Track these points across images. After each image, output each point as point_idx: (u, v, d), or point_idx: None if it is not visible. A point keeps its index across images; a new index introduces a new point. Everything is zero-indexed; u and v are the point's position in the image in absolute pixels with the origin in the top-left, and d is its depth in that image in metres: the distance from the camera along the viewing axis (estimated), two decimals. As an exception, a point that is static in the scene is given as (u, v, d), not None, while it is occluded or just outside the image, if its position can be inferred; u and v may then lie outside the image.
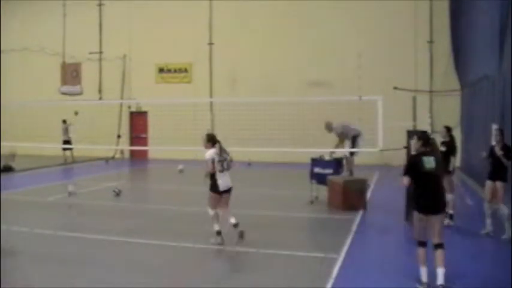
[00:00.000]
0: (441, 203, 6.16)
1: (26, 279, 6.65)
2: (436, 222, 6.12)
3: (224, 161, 8.20)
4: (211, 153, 8.15)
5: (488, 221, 8.77)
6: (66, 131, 21.40)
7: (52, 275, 6.82)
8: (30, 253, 7.87)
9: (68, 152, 21.08)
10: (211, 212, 8.27)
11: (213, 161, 8.09)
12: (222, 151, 8.23)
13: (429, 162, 6.03)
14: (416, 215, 6.25)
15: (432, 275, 6.12)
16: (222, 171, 8.16)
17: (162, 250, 8.16)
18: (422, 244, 6.26)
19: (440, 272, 6.01)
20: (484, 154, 8.96)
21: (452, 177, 9.72)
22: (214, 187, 8.20)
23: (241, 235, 8.28)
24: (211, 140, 8.27)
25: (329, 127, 12.52)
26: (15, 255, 7.72)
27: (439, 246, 6.12)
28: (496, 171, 8.57)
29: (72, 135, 21.27)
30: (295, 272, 7.01)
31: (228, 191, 8.29)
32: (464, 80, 18.25)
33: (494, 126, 8.73)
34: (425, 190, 6.07)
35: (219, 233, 8.21)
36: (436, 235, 6.14)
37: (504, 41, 11.04)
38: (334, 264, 7.13)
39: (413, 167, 6.10)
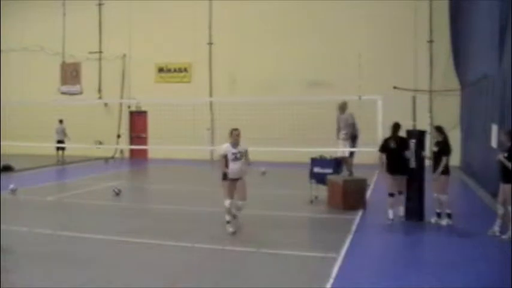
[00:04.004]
0: None
1: (26, 279, 6.64)
2: None
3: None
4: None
5: (498, 222, 8.74)
6: (62, 131, 21.20)
7: (52, 275, 6.81)
8: (30, 253, 7.85)
9: (60, 152, 20.93)
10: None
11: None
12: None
13: None
14: None
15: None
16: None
17: (161, 250, 8.15)
18: None
19: None
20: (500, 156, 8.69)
21: (447, 178, 9.56)
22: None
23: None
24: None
25: (343, 107, 12.13)
26: (15, 254, 7.71)
27: None
28: (506, 175, 8.53)
29: (67, 137, 21.05)
30: (295, 272, 7.00)
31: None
32: (464, 80, 18.25)
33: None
34: None
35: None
36: None
37: (504, 41, 11.04)
38: (334, 263, 7.12)
39: None
